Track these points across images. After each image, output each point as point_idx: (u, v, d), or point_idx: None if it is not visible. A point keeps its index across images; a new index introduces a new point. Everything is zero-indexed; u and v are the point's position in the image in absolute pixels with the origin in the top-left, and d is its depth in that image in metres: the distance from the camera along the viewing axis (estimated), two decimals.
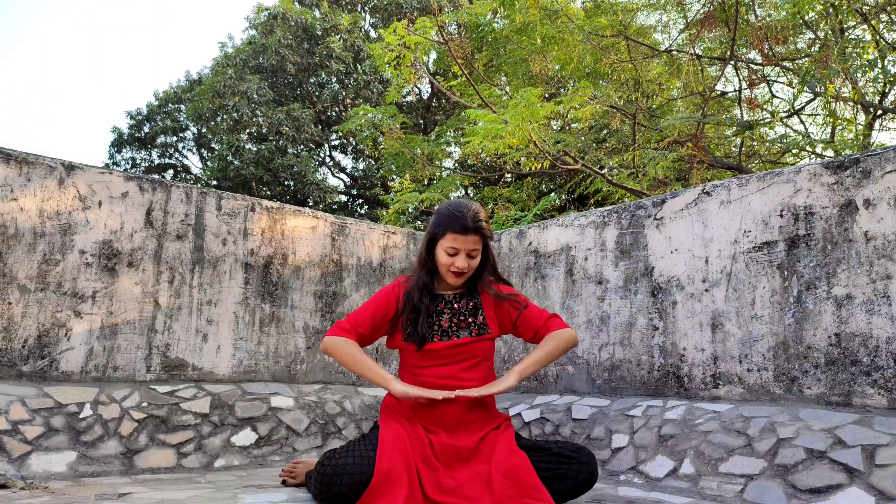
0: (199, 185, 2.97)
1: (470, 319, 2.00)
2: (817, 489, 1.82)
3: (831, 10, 5.51)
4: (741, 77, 6.92)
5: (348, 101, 13.08)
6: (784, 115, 7.33)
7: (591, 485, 1.79)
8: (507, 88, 9.15)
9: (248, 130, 13.07)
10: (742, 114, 7.14)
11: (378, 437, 1.74)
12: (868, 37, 5.89)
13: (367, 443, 1.73)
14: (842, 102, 6.56)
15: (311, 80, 13.24)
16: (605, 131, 8.60)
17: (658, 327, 2.65)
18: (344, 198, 14.67)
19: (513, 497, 1.62)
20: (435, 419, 1.88)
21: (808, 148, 6.86)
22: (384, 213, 8.86)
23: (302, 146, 13.03)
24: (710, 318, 2.49)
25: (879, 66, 5.50)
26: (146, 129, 15.03)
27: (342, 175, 14.87)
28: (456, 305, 2.02)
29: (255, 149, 12.56)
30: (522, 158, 6.68)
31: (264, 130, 12.62)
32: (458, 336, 1.96)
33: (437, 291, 2.04)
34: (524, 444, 1.84)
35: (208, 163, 14.58)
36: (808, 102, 7.25)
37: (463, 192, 11.34)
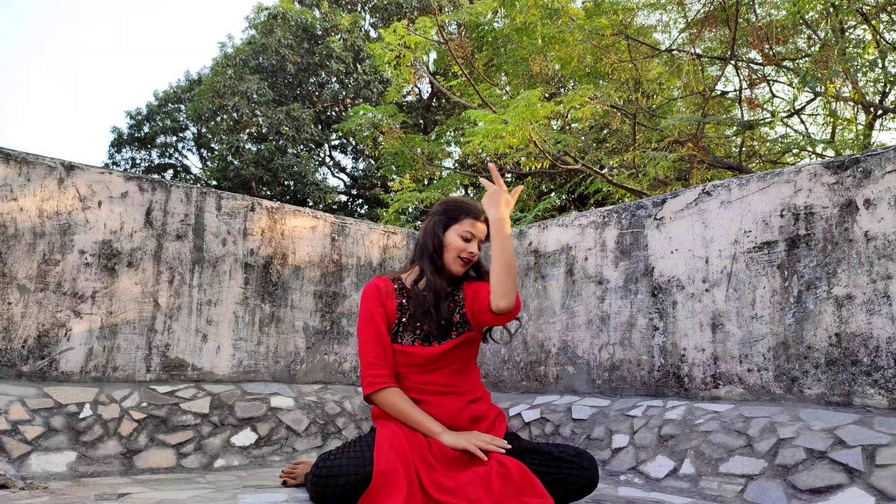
0: (198, 185, 2.97)
1: (447, 320, 1.91)
2: (817, 489, 1.81)
3: (831, 10, 5.51)
4: (741, 77, 6.92)
5: (348, 100, 13.08)
6: (784, 115, 7.33)
7: (592, 489, 1.78)
8: (508, 88, 9.15)
9: (247, 130, 13.07)
10: (742, 114, 7.14)
11: (375, 438, 1.73)
12: (868, 37, 5.89)
13: (364, 444, 1.72)
14: (842, 102, 6.56)
15: (311, 80, 13.24)
16: (605, 131, 8.60)
17: (658, 327, 2.65)
18: (344, 198, 14.66)
19: (512, 497, 1.62)
20: None
21: (808, 148, 6.86)
22: (384, 213, 8.86)
23: (302, 146, 13.03)
24: (711, 318, 2.48)
25: (880, 66, 5.50)
26: (146, 129, 15.03)
27: (342, 175, 14.87)
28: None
29: (255, 149, 12.56)
30: (522, 158, 6.68)
31: (264, 130, 12.62)
32: (438, 342, 1.89)
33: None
34: (524, 447, 1.84)
35: (208, 163, 14.58)
36: (808, 102, 7.25)
37: (463, 191, 11.34)
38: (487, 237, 1.94)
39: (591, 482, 1.76)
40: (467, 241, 1.91)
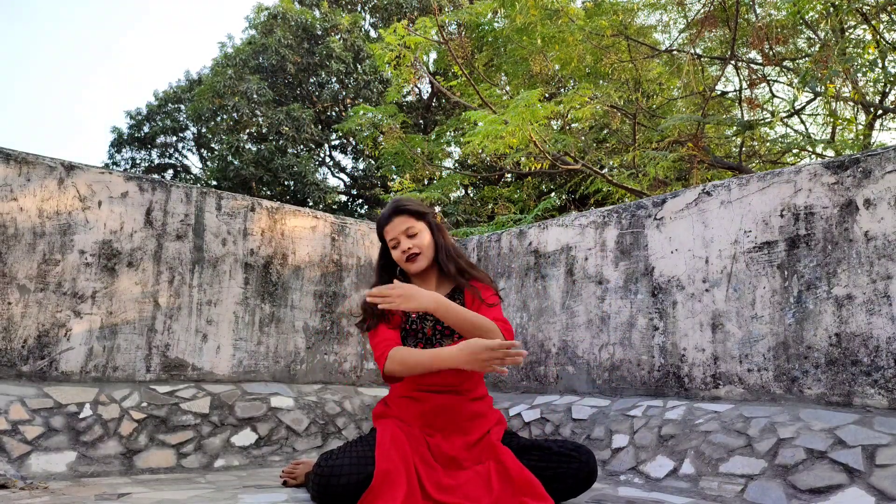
0: (198, 185, 2.97)
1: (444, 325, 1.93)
2: (817, 489, 1.82)
3: (831, 10, 5.51)
4: (741, 77, 6.93)
5: (348, 101, 13.08)
6: (784, 115, 7.33)
7: (591, 483, 1.79)
8: (508, 88, 9.15)
9: (247, 130, 13.07)
10: (742, 114, 7.14)
11: (375, 437, 1.74)
12: (868, 37, 5.89)
13: (365, 444, 1.73)
14: (842, 102, 6.57)
15: (311, 80, 13.24)
16: (605, 131, 8.60)
17: (658, 327, 2.65)
18: (344, 198, 14.66)
19: (511, 496, 1.62)
20: (428, 422, 1.87)
21: (808, 148, 6.86)
22: None
23: (302, 146, 13.03)
24: (711, 318, 2.48)
25: (880, 66, 5.51)
26: (146, 129, 15.03)
27: (342, 175, 14.87)
28: None
29: (255, 149, 12.57)
30: (522, 158, 6.68)
31: (264, 130, 12.61)
32: (441, 344, 1.91)
33: None
34: (523, 444, 1.84)
35: (208, 163, 14.59)
36: (808, 102, 7.25)
37: (463, 191, 11.34)
38: (416, 217, 1.98)
39: (591, 475, 1.77)
40: (396, 245, 1.98)
